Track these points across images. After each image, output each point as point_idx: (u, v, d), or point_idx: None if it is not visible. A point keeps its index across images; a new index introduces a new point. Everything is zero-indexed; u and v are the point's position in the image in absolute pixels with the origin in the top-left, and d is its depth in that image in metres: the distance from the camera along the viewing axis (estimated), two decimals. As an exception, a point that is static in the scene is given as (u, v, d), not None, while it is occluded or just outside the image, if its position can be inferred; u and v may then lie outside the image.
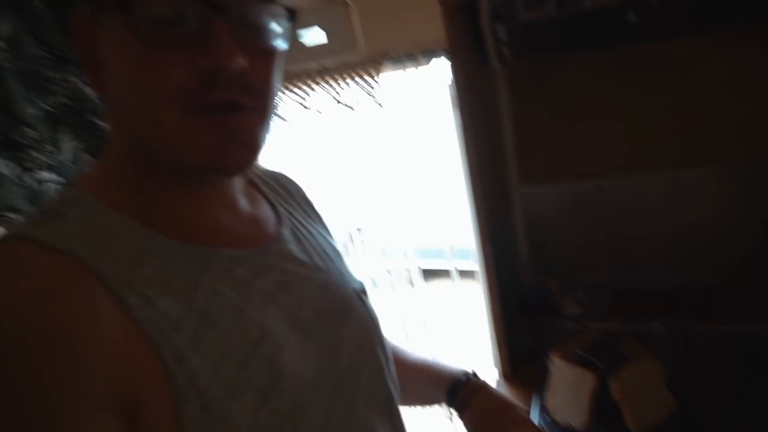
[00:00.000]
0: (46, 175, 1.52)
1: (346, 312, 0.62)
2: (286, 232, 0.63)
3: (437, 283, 4.58)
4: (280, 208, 0.66)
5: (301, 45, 1.48)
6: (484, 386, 0.77)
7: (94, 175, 0.53)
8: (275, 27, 0.49)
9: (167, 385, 0.43)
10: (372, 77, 1.49)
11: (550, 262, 1.48)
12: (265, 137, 0.51)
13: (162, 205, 0.52)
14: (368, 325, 0.65)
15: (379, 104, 1.51)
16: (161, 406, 0.43)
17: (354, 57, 1.47)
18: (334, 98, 1.56)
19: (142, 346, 0.43)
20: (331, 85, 1.54)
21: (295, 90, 1.57)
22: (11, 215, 1.41)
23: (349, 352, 0.59)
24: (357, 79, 1.50)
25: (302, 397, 0.51)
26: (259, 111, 0.49)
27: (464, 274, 2.04)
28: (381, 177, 1.62)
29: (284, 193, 0.71)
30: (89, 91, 1.66)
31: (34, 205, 1.49)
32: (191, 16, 0.45)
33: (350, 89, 1.53)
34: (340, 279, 0.65)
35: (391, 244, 1.63)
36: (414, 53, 1.39)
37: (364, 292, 0.68)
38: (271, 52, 0.49)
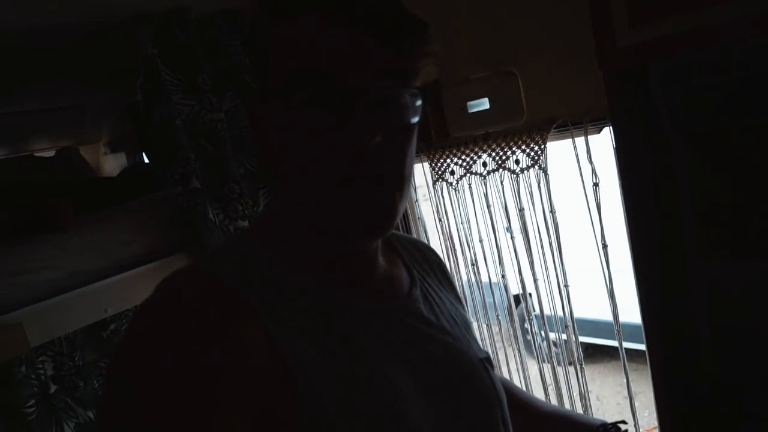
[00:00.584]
0: (241, 223, 1.78)
1: (469, 378, 0.63)
2: (418, 293, 0.66)
3: (603, 363, 4.15)
4: (415, 272, 0.70)
5: (468, 113, 1.55)
6: None
7: (256, 227, 0.63)
8: (410, 104, 0.54)
9: (298, 418, 0.47)
10: (537, 144, 1.49)
11: (735, 350, 1.27)
12: (403, 205, 0.56)
13: (309, 258, 0.58)
14: (490, 395, 0.65)
15: (544, 170, 1.50)
16: None
17: (519, 124, 1.49)
18: (499, 164, 1.59)
19: (282, 377, 0.48)
20: (496, 151, 1.57)
21: (462, 156, 1.64)
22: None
23: (468, 417, 0.60)
24: (522, 145, 1.52)
25: None
26: (398, 181, 0.54)
27: (634, 354, 1.84)
28: (544, 244, 1.58)
29: (420, 258, 0.75)
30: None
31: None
32: (336, 102, 0.50)
33: (516, 155, 1.55)
34: (466, 345, 0.67)
35: (554, 314, 1.56)
36: (581, 120, 1.37)
37: (489, 362, 0.69)
38: (406, 127, 0.55)
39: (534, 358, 1.69)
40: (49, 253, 1.44)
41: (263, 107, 0.57)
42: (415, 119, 0.55)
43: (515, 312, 1.72)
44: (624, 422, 0.74)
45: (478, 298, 1.80)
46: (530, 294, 1.62)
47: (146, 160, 3.07)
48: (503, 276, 1.69)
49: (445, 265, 0.80)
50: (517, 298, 1.72)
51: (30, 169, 3.25)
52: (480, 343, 0.75)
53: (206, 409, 0.41)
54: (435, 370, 0.60)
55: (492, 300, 1.77)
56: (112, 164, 3.54)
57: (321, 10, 0.50)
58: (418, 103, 0.55)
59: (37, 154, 3.35)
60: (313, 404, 0.47)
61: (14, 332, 1.22)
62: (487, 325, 1.81)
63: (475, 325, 1.81)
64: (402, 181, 0.54)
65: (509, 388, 0.82)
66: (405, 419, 0.52)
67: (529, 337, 1.75)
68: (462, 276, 1.79)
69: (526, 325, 1.72)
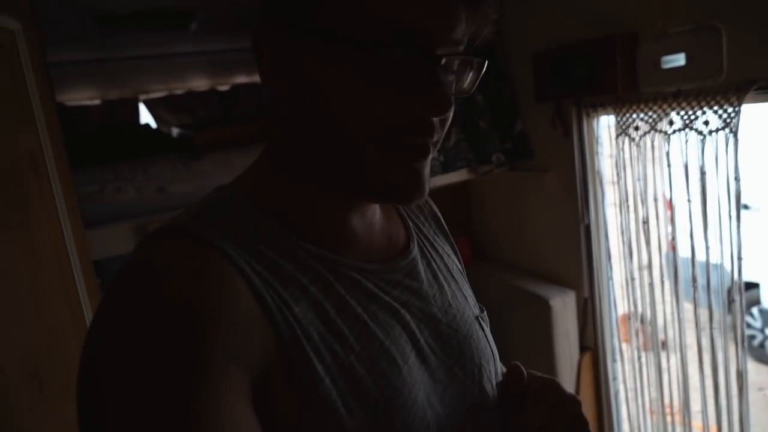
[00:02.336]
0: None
1: (465, 338, 0.61)
2: (415, 250, 0.63)
3: None
4: (411, 223, 0.67)
5: (661, 68, 1.53)
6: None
7: (249, 176, 0.56)
8: (475, 75, 0.52)
9: (293, 388, 0.44)
10: (732, 105, 1.41)
11: None
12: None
13: (305, 214, 0.54)
14: (486, 353, 0.63)
15: (735, 134, 1.43)
16: (285, 406, 0.44)
17: (716, 82, 1.42)
18: (686, 123, 1.54)
19: (275, 345, 0.45)
20: (685, 110, 1.53)
21: (649, 112, 1.62)
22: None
23: (463, 379, 0.58)
24: (715, 105, 1.45)
25: (411, 421, 0.50)
26: (436, 146, 0.52)
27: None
28: (722, 212, 1.52)
29: (415, 208, 0.71)
30: (479, 98, 2.12)
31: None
32: (416, 63, 0.46)
33: (706, 115, 1.49)
34: (462, 303, 0.64)
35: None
36: (786, 83, 1.27)
37: (483, 318, 0.67)
38: (457, 100, 0.50)
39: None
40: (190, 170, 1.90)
41: (295, 40, 0.48)
42: (471, 91, 0.53)
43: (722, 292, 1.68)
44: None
45: (647, 259, 1.79)
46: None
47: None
48: (673, 239, 1.67)
49: (439, 214, 0.75)
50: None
51: (215, 102, 3.95)
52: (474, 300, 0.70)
53: (197, 384, 0.39)
54: (431, 332, 0.58)
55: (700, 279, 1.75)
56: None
57: None
58: (477, 76, 0.52)
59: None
60: (306, 373, 0.45)
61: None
62: (650, 284, 1.80)
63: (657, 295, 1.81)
64: (436, 148, 0.52)
65: None
66: (400, 387, 0.50)
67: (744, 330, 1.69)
68: (631, 233, 1.80)
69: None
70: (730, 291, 1.52)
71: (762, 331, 3.99)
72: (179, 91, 4.00)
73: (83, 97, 3.74)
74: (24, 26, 1.21)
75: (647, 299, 1.82)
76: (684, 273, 1.70)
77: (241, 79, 4.00)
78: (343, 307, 0.51)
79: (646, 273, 1.80)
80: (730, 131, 1.43)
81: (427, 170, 0.52)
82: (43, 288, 1.13)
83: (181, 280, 0.42)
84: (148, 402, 0.38)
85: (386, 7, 0.45)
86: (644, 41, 1.58)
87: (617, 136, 1.76)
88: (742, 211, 1.49)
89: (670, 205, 1.68)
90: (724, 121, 1.44)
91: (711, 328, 1.60)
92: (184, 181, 1.81)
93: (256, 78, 4.07)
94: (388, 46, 0.45)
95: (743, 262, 1.47)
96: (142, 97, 3.94)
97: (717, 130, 1.46)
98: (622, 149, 1.75)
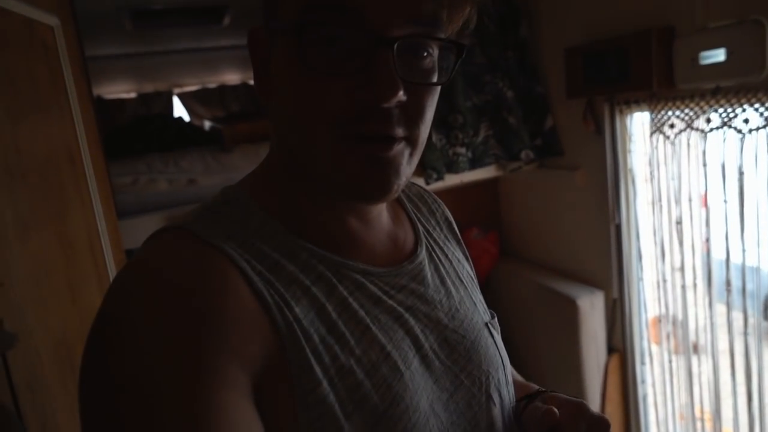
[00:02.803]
0: (460, 150, 2.03)
1: (472, 345, 0.59)
2: (422, 254, 0.61)
3: None
4: (420, 227, 0.65)
5: (699, 64, 1.48)
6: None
7: (253, 178, 0.56)
8: (439, 60, 0.49)
9: (291, 388, 0.44)
10: (775, 103, 1.36)
11: None
12: (412, 167, 0.51)
13: (308, 215, 0.53)
14: (494, 361, 0.61)
15: (777, 133, 1.37)
16: (284, 407, 0.43)
17: (758, 79, 1.37)
18: (725, 121, 1.49)
19: (275, 344, 0.44)
20: (724, 107, 1.48)
21: (685, 109, 1.58)
22: (431, 172, 1.97)
23: (468, 388, 0.56)
24: (756, 103, 1.40)
25: (413, 429, 0.49)
26: (410, 142, 0.49)
27: None
28: (760, 214, 1.47)
29: (426, 211, 0.70)
30: (509, 94, 2.09)
31: (447, 168, 2.02)
32: (356, 46, 0.44)
33: (746, 113, 1.43)
34: (471, 309, 0.63)
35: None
36: (833, 80, 1.21)
37: (493, 325, 0.65)
38: (429, 86, 0.48)
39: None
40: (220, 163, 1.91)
41: (269, 37, 0.49)
42: (443, 79, 0.50)
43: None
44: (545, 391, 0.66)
45: (680, 260, 1.74)
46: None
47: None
48: (707, 240, 1.62)
49: (451, 218, 0.73)
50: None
51: (246, 96, 3.99)
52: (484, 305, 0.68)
53: (199, 381, 0.38)
54: (437, 337, 0.56)
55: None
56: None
57: None
58: (449, 60, 0.49)
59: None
60: (304, 374, 0.44)
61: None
62: (683, 286, 1.75)
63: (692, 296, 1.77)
64: (413, 145, 0.49)
65: None
66: (401, 393, 0.49)
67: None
68: (664, 234, 1.75)
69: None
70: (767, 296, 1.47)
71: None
72: (212, 85, 4.07)
73: (120, 90, 3.84)
74: (63, 22, 1.25)
75: (679, 301, 1.77)
76: (718, 275, 1.65)
77: (273, 73, 4.04)
78: (345, 309, 0.50)
79: (678, 275, 1.76)
80: (772, 130, 1.37)
81: (395, 165, 0.48)
82: (76, 276, 1.17)
83: (181, 279, 0.42)
84: (149, 399, 0.38)
85: None
86: (682, 36, 1.53)
87: (651, 134, 1.71)
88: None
89: (705, 203, 1.63)
90: (766, 119, 1.38)
91: (745, 333, 1.55)
92: (215, 174, 1.84)
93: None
94: (326, 28, 0.44)
95: (782, 266, 1.42)
96: (176, 90, 4.03)
97: (757, 129, 1.41)
98: (656, 147, 1.71)
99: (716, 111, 1.50)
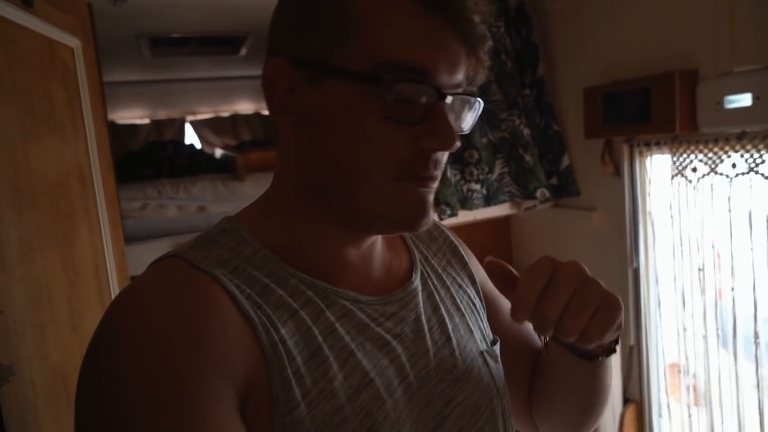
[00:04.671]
0: (474, 186, 2.00)
1: (462, 374, 0.59)
2: (416, 281, 0.62)
3: None
4: (417, 254, 0.66)
5: (723, 108, 1.45)
6: None
7: (252, 209, 0.58)
8: (475, 113, 0.55)
9: (270, 408, 0.45)
10: (804, 150, 1.32)
11: None
12: None
13: (302, 245, 0.55)
14: (488, 392, 0.60)
15: (806, 181, 1.33)
16: (262, 426, 0.45)
17: (786, 126, 1.34)
18: (752, 167, 1.45)
19: (259, 363, 0.46)
20: (750, 152, 1.44)
21: (708, 153, 1.54)
22: (445, 207, 1.94)
23: (455, 422, 0.56)
24: (784, 149, 1.37)
25: None
26: (438, 181, 0.54)
27: None
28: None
29: (426, 238, 0.70)
30: (526, 132, 2.07)
31: (461, 204, 1.98)
32: (425, 99, 0.49)
33: (773, 160, 1.40)
34: (465, 337, 0.62)
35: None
36: None
37: (490, 354, 0.64)
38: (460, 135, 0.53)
39: None
40: (231, 191, 1.88)
41: (311, 80, 0.50)
42: (469, 129, 0.56)
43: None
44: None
45: (702, 309, 1.68)
46: None
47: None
48: (732, 290, 1.56)
49: (456, 244, 0.73)
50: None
51: (258, 125, 4.02)
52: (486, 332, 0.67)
53: (187, 395, 0.40)
54: (424, 366, 0.56)
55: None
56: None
57: None
58: (475, 116, 0.55)
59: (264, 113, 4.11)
60: (284, 395, 0.46)
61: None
62: (704, 336, 1.68)
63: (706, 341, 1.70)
64: (437, 182, 0.55)
65: None
66: (380, 421, 0.49)
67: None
68: (685, 281, 1.70)
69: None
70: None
71: None
72: (225, 114, 4.10)
73: (133, 116, 3.86)
74: (83, 44, 1.24)
75: (701, 352, 1.69)
76: (744, 328, 1.59)
77: (286, 103, 4.07)
78: (330, 335, 0.51)
79: (699, 324, 1.69)
80: (801, 177, 1.33)
81: (431, 201, 0.54)
82: (79, 303, 1.13)
83: (169, 299, 0.45)
84: (139, 413, 0.40)
85: (401, 48, 0.48)
86: (706, 79, 1.51)
87: (673, 177, 1.67)
88: None
89: (719, 255, 1.59)
90: (794, 166, 1.35)
91: (774, 389, 1.47)
92: (225, 201, 1.81)
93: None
94: (397, 82, 0.47)
95: (813, 320, 1.35)
96: (189, 118, 4.05)
97: (785, 176, 1.37)
98: (678, 191, 1.67)
99: (742, 156, 1.47)
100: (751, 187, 1.46)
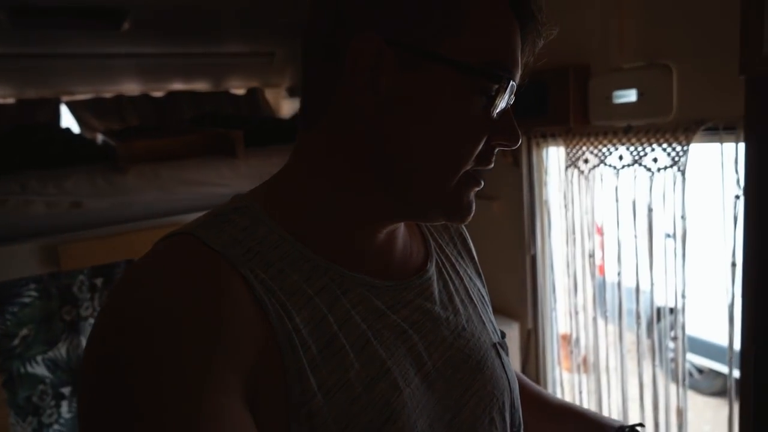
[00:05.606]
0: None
1: (477, 364, 0.58)
2: (432, 269, 0.61)
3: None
4: (432, 242, 0.65)
5: (612, 103, 1.52)
6: None
7: (267, 188, 0.56)
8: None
9: (284, 399, 0.43)
10: (681, 144, 1.42)
11: None
12: None
13: (320, 228, 0.53)
14: (501, 383, 0.60)
15: (683, 173, 1.43)
16: (276, 417, 0.43)
17: (666, 121, 1.43)
18: (636, 159, 1.54)
19: (273, 352, 0.44)
20: (634, 145, 1.53)
21: (599, 146, 1.62)
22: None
23: (472, 409, 0.56)
24: (664, 143, 1.46)
25: None
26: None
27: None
28: (668, 249, 1.52)
29: (440, 226, 0.70)
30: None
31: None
32: (507, 96, 0.50)
33: (654, 152, 1.49)
34: (479, 328, 0.62)
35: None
36: (734, 126, 1.28)
37: (502, 346, 0.64)
38: None
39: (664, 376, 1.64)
40: (223, 172, 1.76)
41: (412, 63, 0.48)
42: None
43: (654, 321, 1.67)
44: (642, 425, 0.67)
45: (592, 291, 1.78)
46: (674, 308, 1.56)
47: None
48: (618, 274, 1.66)
49: (466, 235, 0.73)
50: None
51: (224, 103, 3.81)
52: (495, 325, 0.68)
53: (195, 386, 0.39)
54: (441, 355, 0.55)
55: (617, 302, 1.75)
56: (289, 107, 3.99)
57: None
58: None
59: (232, 91, 3.91)
60: (301, 390, 0.44)
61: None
62: (594, 319, 1.79)
63: (586, 318, 1.80)
64: None
65: (520, 379, 0.77)
66: (398, 411, 0.48)
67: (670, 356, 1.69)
68: (577, 266, 1.79)
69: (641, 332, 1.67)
70: (673, 328, 1.52)
71: (666, 350, 4.17)
72: (108, 95, 3.73)
73: (-6, 95, 3.39)
74: None
75: (590, 329, 1.80)
76: (628, 304, 1.70)
77: (178, 86, 3.78)
78: (346, 322, 0.49)
79: (590, 304, 1.79)
80: (678, 170, 1.43)
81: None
82: None
83: (181, 286, 0.43)
84: (145, 403, 0.38)
85: (506, 50, 0.50)
86: (597, 74, 1.58)
87: (567, 168, 1.74)
88: (665, 240, 1.51)
89: (600, 232, 1.70)
90: (673, 159, 1.45)
91: (654, 366, 1.60)
92: (104, 197, 1.62)
93: (194, 85, 3.89)
94: (503, 78, 0.49)
95: (686, 301, 1.47)
96: (65, 98, 3.63)
97: (665, 168, 1.46)
98: (571, 181, 1.74)
99: (628, 149, 1.55)
100: (635, 178, 1.55)
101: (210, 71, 3.73)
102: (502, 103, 0.50)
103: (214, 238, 0.47)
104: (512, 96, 0.51)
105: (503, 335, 0.66)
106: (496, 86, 0.49)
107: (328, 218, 0.53)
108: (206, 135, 2.00)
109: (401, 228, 0.60)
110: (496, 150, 0.53)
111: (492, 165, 0.53)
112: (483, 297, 0.68)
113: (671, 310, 1.53)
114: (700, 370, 3.54)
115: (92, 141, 3.23)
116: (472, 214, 0.54)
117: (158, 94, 3.78)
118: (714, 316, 2.63)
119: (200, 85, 3.86)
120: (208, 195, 1.72)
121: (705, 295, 2.41)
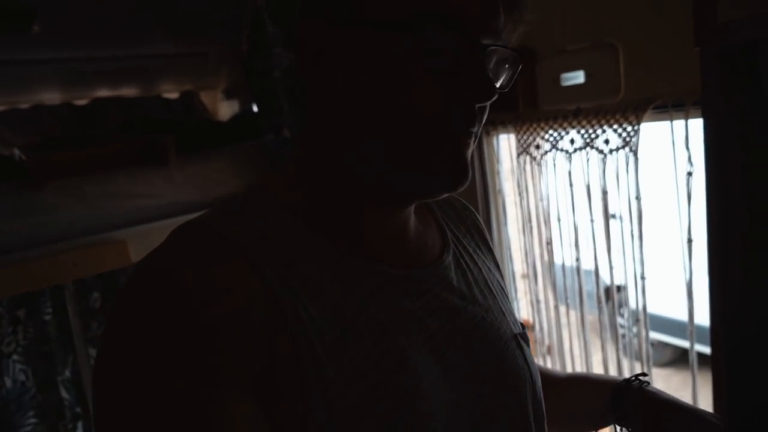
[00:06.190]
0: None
1: (498, 355, 0.57)
2: (449, 259, 0.60)
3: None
4: (449, 233, 0.64)
5: (560, 86, 1.49)
6: (656, 392, 0.68)
7: (278, 176, 0.56)
8: (513, 70, 0.52)
9: (300, 390, 0.43)
10: (631, 124, 1.40)
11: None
12: None
13: (331, 215, 0.53)
14: (522, 374, 0.59)
15: (635, 153, 1.42)
16: (292, 408, 0.42)
17: (615, 101, 1.41)
18: (587, 142, 1.52)
19: (286, 343, 0.43)
20: (585, 128, 1.50)
21: (550, 130, 1.59)
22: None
23: (493, 400, 0.55)
24: (614, 124, 1.44)
25: None
26: (475, 138, 0.52)
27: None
28: (625, 231, 1.50)
29: (456, 218, 0.69)
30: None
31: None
32: (464, 49, 0.47)
33: (606, 134, 1.47)
34: (498, 318, 0.61)
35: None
36: (683, 102, 1.27)
37: (523, 337, 0.63)
38: (498, 91, 0.51)
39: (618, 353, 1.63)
40: (155, 182, 1.61)
41: (345, 34, 0.48)
42: (506, 87, 0.54)
43: (602, 299, 1.66)
44: (645, 374, 0.69)
45: (550, 279, 1.76)
46: (621, 286, 1.55)
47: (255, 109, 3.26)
48: (577, 259, 1.64)
49: (482, 226, 0.73)
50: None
51: (156, 108, 3.59)
52: (516, 317, 0.67)
53: (203, 384, 0.39)
54: (460, 345, 0.54)
55: (573, 284, 1.72)
56: (227, 110, 3.81)
57: None
58: (515, 69, 0.53)
59: (164, 95, 3.69)
60: (318, 380, 0.43)
61: (119, 247, 1.41)
62: (555, 306, 1.77)
63: (546, 305, 1.78)
64: (475, 142, 0.53)
65: None
66: (418, 400, 0.47)
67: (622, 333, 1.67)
68: (535, 254, 1.76)
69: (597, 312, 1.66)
70: (636, 311, 1.51)
71: (630, 329, 4.31)
72: (24, 105, 3.43)
73: None
74: None
75: (552, 314, 1.78)
76: (587, 287, 1.69)
77: (104, 92, 3.53)
78: (363, 311, 0.49)
79: (551, 294, 1.77)
80: (630, 150, 1.41)
81: (468, 158, 0.51)
82: None
83: (194, 278, 0.42)
84: (154, 402, 0.38)
85: None
86: (543, 57, 1.54)
87: (518, 155, 1.70)
88: (612, 221, 1.50)
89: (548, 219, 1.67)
90: (624, 140, 1.42)
91: (617, 350, 1.59)
92: (18, 218, 1.44)
93: (122, 91, 3.65)
94: (438, 32, 0.46)
95: (646, 282, 1.46)
96: (-25, 111, 3.32)
97: (617, 149, 1.44)
98: (524, 168, 1.70)
99: (579, 132, 1.52)
100: (587, 161, 1.53)
101: (138, 75, 3.50)
102: (454, 57, 0.47)
103: (226, 228, 0.47)
104: (477, 47, 0.47)
105: (523, 327, 0.65)
106: (432, 39, 0.46)
107: (338, 206, 0.53)
108: (133, 143, 1.84)
109: (411, 217, 0.59)
110: (477, 109, 0.49)
111: (476, 125, 0.50)
112: (502, 288, 0.68)
113: (618, 288, 1.53)
114: (651, 343, 3.65)
115: (10, 156, 2.95)
116: (461, 181, 0.51)
117: (82, 102, 3.51)
118: (663, 290, 2.68)
119: (129, 91, 3.62)
120: (140, 208, 1.57)
121: (656, 272, 2.45)
